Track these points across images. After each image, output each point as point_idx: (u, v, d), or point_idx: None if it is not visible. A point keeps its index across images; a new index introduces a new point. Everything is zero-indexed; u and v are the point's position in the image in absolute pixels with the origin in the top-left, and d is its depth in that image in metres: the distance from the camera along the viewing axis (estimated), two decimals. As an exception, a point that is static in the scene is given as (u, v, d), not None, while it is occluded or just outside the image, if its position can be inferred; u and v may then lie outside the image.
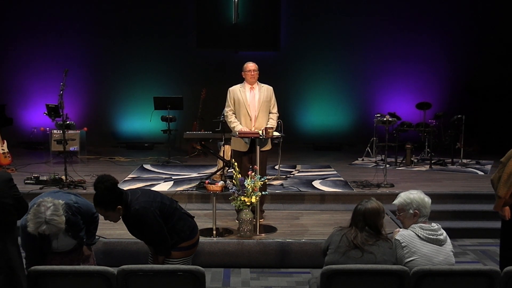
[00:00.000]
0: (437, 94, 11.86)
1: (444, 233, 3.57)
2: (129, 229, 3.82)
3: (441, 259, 3.46)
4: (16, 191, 3.18)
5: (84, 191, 7.08)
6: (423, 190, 3.76)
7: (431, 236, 3.49)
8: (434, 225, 3.57)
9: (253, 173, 5.47)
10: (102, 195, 3.55)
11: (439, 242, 3.50)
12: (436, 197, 3.73)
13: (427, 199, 3.61)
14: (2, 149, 8.49)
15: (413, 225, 3.57)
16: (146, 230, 3.72)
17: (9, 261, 3.05)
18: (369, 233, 3.50)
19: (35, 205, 3.38)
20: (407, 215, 3.63)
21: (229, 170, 7.47)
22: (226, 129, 7.02)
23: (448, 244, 3.55)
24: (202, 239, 5.51)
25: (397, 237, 3.56)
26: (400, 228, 3.89)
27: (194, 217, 4.09)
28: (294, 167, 9.28)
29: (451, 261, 3.51)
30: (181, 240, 3.87)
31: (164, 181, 7.94)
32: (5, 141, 8.60)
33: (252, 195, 5.35)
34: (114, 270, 3.19)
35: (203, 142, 8.50)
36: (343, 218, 6.09)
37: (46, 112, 9.41)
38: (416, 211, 3.60)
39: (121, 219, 3.75)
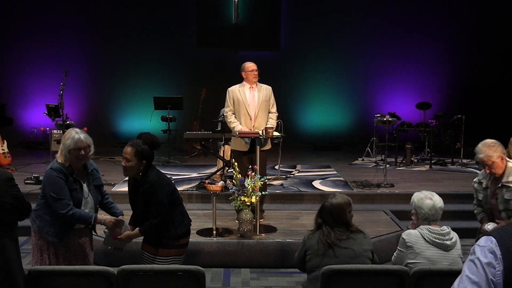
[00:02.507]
0: (437, 94, 11.86)
1: (454, 238, 3.49)
2: (133, 195, 3.89)
3: (445, 265, 3.41)
4: (17, 191, 3.16)
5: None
6: (423, 190, 3.73)
7: (437, 240, 3.43)
8: (445, 229, 3.49)
9: (253, 173, 5.47)
10: (143, 143, 3.75)
11: (445, 247, 3.44)
12: (441, 197, 3.69)
13: (429, 202, 3.51)
14: (2, 149, 8.49)
15: (421, 226, 3.52)
16: (151, 200, 3.75)
17: (7, 261, 3.04)
18: (341, 229, 3.53)
19: (64, 136, 3.70)
20: (413, 215, 3.63)
21: (229, 170, 7.47)
22: (226, 129, 7.02)
23: (456, 250, 3.48)
24: (202, 239, 5.54)
25: (403, 236, 3.53)
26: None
27: (191, 220, 4.14)
28: (294, 167, 9.28)
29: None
30: (176, 235, 3.89)
31: (164, 181, 7.93)
32: (5, 141, 8.60)
33: (252, 195, 5.35)
34: (114, 270, 3.19)
35: (203, 142, 8.49)
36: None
37: (46, 112, 9.42)
38: (414, 211, 3.59)
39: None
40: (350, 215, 3.61)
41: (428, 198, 3.55)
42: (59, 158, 3.69)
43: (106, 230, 3.85)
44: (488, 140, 4.00)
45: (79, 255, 3.78)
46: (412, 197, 3.64)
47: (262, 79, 6.31)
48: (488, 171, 4.00)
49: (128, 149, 3.74)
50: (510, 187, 3.92)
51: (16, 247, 3.17)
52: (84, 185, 3.77)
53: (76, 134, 3.65)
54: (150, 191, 3.75)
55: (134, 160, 3.72)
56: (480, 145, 3.98)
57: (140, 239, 4.01)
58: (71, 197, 3.63)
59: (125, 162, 3.75)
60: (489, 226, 3.96)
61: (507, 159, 3.99)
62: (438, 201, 3.56)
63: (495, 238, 1.66)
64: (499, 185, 3.99)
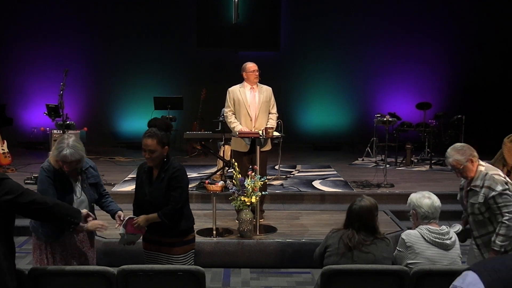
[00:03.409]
0: (437, 94, 11.86)
1: (453, 238, 3.52)
2: (147, 184, 3.81)
3: (445, 264, 3.42)
4: (6, 193, 2.94)
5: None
6: (423, 190, 3.74)
7: (437, 240, 3.45)
8: (444, 228, 3.51)
9: (253, 173, 5.47)
10: (159, 130, 3.76)
11: (445, 247, 3.46)
12: (439, 198, 3.70)
13: (427, 200, 3.55)
14: (2, 149, 8.49)
15: (421, 226, 3.53)
16: (176, 184, 3.74)
17: None
18: (366, 233, 3.48)
19: (58, 141, 3.66)
20: (412, 216, 3.64)
21: (229, 170, 7.47)
22: (226, 129, 7.02)
23: (456, 249, 3.50)
24: (202, 239, 5.53)
25: (403, 236, 3.54)
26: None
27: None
28: (294, 167, 9.28)
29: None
30: (188, 229, 3.89)
31: (164, 181, 7.93)
32: (5, 141, 8.60)
33: (252, 195, 5.35)
34: (114, 270, 3.19)
35: (203, 142, 8.49)
36: (343, 218, 6.04)
37: (46, 112, 9.41)
38: (413, 211, 3.60)
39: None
40: (376, 220, 3.56)
41: (426, 197, 3.57)
42: (51, 160, 3.69)
43: (120, 232, 3.76)
44: (458, 144, 3.97)
45: (76, 254, 3.76)
46: (409, 198, 3.65)
47: (262, 79, 6.30)
48: (459, 175, 3.94)
49: (149, 141, 3.72)
50: (476, 191, 3.85)
51: (6, 250, 3.07)
52: (77, 184, 3.75)
53: (65, 150, 3.56)
54: (176, 175, 3.75)
55: (158, 149, 3.72)
56: (449, 149, 3.94)
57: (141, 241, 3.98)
58: (60, 197, 3.61)
59: (149, 154, 3.73)
60: (454, 228, 3.92)
61: (481, 162, 3.91)
62: (436, 199, 3.58)
63: (480, 279, 1.48)
64: (468, 188, 3.94)
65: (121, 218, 3.82)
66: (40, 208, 3.10)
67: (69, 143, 3.59)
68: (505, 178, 3.85)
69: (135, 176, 8.89)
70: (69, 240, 3.74)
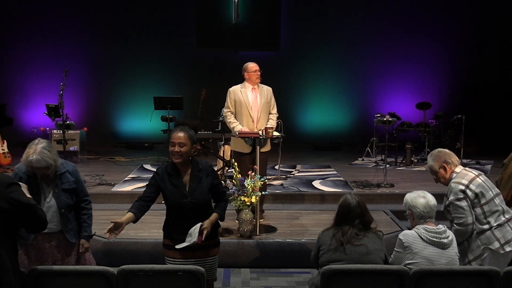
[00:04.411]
0: (437, 94, 11.86)
1: (450, 236, 3.53)
2: (181, 183, 3.71)
3: (443, 263, 3.43)
4: (16, 196, 2.97)
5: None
6: (424, 190, 3.74)
7: (434, 239, 3.46)
8: (441, 227, 3.52)
9: (253, 173, 5.47)
10: (190, 129, 3.78)
11: (443, 246, 3.47)
12: (436, 197, 3.71)
13: (422, 200, 3.56)
14: (2, 149, 8.49)
15: (418, 226, 3.55)
16: (219, 181, 3.80)
17: None
18: (357, 228, 3.52)
19: (29, 145, 3.56)
20: (408, 216, 3.65)
21: (229, 170, 7.47)
22: (226, 129, 7.02)
23: (453, 248, 3.51)
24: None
25: (400, 236, 3.56)
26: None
27: None
28: (294, 167, 9.28)
29: (454, 265, 3.48)
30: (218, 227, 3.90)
31: (164, 181, 7.92)
32: (5, 141, 8.60)
33: (252, 195, 5.35)
34: (114, 270, 3.19)
35: (203, 142, 8.49)
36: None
37: (46, 112, 9.41)
38: (409, 211, 3.62)
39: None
40: (369, 215, 3.61)
41: (421, 197, 3.59)
42: (22, 162, 3.60)
43: (194, 241, 3.63)
44: (436, 150, 4.00)
45: (49, 258, 3.72)
46: (405, 198, 3.68)
47: (262, 79, 6.28)
48: (436, 182, 3.99)
49: (181, 134, 3.69)
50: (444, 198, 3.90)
51: (10, 250, 3.08)
52: (50, 189, 3.67)
53: (31, 156, 3.47)
54: (215, 173, 3.81)
55: (188, 144, 3.69)
56: (428, 154, 4.01)
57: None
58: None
59: (179, 148, 3.67)
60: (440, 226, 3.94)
61: (455, 169, 3.86)
62: (431, 198, 3.60)
63: None
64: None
65: (84, 247, 3.77)
66: (41, 223, 3.10)
67: (37, 149, 3.49)
68: (466, 186, 3.77)
69: (135, 176, 8.89)
70: (43, 244, 3.71)
